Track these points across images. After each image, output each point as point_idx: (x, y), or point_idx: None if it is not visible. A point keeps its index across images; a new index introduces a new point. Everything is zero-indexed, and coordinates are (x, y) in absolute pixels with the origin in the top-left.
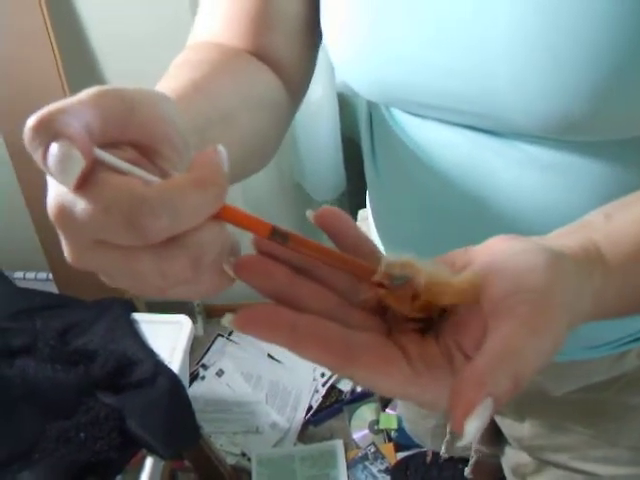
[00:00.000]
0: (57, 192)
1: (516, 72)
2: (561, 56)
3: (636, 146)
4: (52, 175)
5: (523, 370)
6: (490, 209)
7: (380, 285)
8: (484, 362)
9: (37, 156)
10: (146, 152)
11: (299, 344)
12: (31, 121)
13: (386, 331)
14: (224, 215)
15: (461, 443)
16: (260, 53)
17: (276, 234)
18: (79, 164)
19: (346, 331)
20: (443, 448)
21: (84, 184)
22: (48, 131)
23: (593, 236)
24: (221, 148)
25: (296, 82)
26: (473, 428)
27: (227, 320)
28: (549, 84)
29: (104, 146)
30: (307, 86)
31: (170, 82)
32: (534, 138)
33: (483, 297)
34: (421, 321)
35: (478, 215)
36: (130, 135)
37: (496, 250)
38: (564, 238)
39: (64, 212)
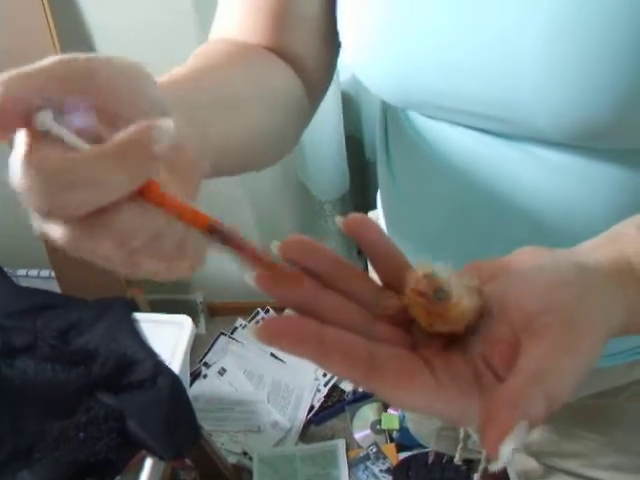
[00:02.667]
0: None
1: (541, 79)
2: (586, 65)
3: None
4: None
5: (558, 391)
6: (508, 213)
7: (420, 294)
8: (518, 383)
9: None
10: (111, 118)
11: (326, 357)
12: None
13: (411, 344)
14: (149, 196)
15: (495, 467)
16: (280, 51)
17: (213, 230)
18: None
19: (370, 344)
20: (457, 456)
21: (29, 153)
22: None
23: (625, 250)
24: (163, 124)
25: (315, 82)
26: (508, 452)
27: (251, 331)
28: (574, 92)
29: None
30: (327, 85)
31: (179, 69)
32: (555, 144)
33: (515, 313)
34: (447, 335)
35: (496, 219)
36: (90, 100)
37: (526, 263)
38: (595, 252)
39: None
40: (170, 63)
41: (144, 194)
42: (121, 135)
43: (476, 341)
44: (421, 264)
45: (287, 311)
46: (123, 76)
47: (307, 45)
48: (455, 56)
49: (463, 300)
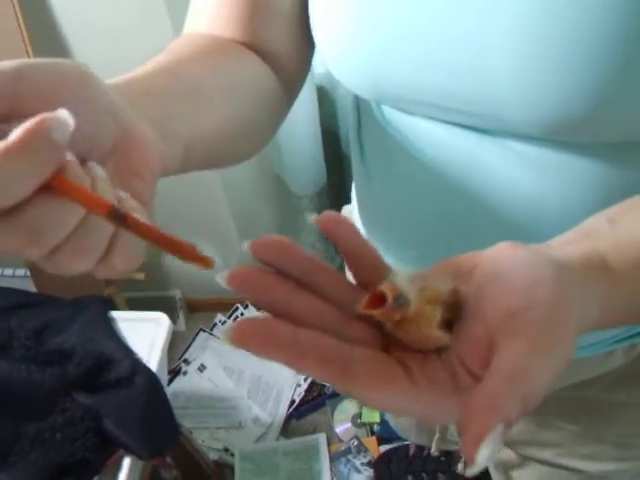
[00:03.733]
0: None
1: (514, 73)
2: (562, 58)
3: (635, 149)
4: None
5: (533, 391)
6: (483, 208)
7: (381, 300)
8: (494, 385)
9: None
10: None
11: (298, 360)
12: None
13: (386, 345)
14: (58, 188)
15: (472, 471)
16: (254, 45)
17: (114, 215)
18: None
19: (345, 346)
20: (434, 447)
21: None
22: None
23: (598, 245)
24: (58, 115)
25: (290, 76)
26: (485, 456)
27: (223, 334)
28: (547, 87)
29: None
30: (303, 80)
31: (150, 63)
32: (529, 138)
33: (490, 311)
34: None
35: (470, 214)
36: (21, 109)
37: (502, 259)
38: (569, 247)
39: None
40: (143, 57)
41: (54, 186)
42: (16, 130)
43: (452, 340)
44: (398, 270)
45: (258, 313)
46: (56, 83)
47: (281, 40)
48: (427, 50)
49: (432, 315)
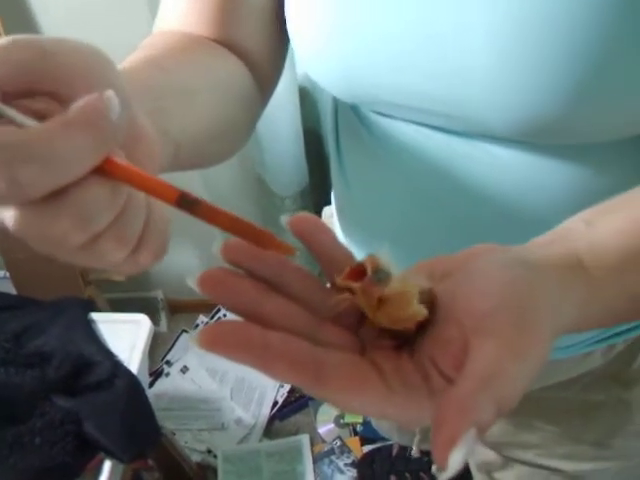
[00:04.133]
0: None
1: (490, 75)
2: (538, 60)
3: (609, 151)
4: None
5: (507, 395)
6: (459, 210)
7: (361, 275)
8: (467, 388)
9: None
10: (65, 103)
11: (269, 365)
12: None
13: (360, 348)
14: (111, 170)
15: (445, 476)
16: (227, 43)
17: (184, 202)
18: None
19: (317, 350)
20: (414, 448)
21: None
22: None
23: (575, 247)
24: (110, 94)
25: (265, 74)
26: (457, 461)
27: (193, 338)
28: (523, 89)
29: (17, 96)
30: (277, 79)
31: (127, 60)
32: (506, 140)
33: (464, 313)
34: (396, 336)
35: (446, 215)
36: (45, 84)
37: (476, 262)
38: (545, 249)
39: None
40: (119, 41)
41: (106, 169)
42: (76, 105)
43: (425, 343)
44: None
45: (227, 317)
46: (80, 61)
47: (255, 37)
48: (402, 52)
49: (412, 293)
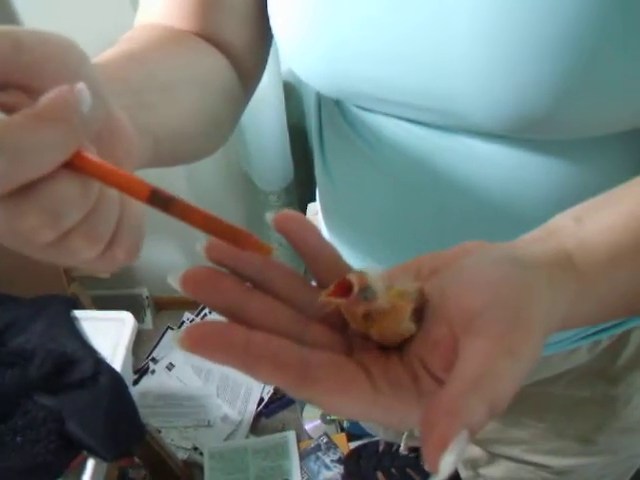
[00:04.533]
0: None
1: (474, 68)
2: (522, 51)
3: (594, 147)
4: None
5: (500, 395)
6: (443, 206)
7: (348, 290)
8: (457, 390)
9: None
10: (34, 95)
11: (253, 366)
12: None
13: (346, 348)
14: (82, 165)
15: (437, 479)
16: (209, 37)
17: (156, 198)
18: None
19: (303, 350)
20: (402, 445)
21: None
22: None
23: (564, 244)
24: (82, 86)
25: (248, 68)
26: (449, 464)
27: (174, 339)
28: (508, 83)
29: None
30: (260, 74)
31: (107, 53)
32: (490, 136)
33: (454, 311)
34: (382, 345)
35: (430, 212)
36: (17, 77)
37: (466, 259)
38: (534, 245)
39: None
40: (102, 39)
41: (76, 163)
42: (46, 97)
43: (414, 343)
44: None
45: (213, 315)
46: (54, 53)
47: (237, 31)
48: (386, 46)
49: (405, 310)
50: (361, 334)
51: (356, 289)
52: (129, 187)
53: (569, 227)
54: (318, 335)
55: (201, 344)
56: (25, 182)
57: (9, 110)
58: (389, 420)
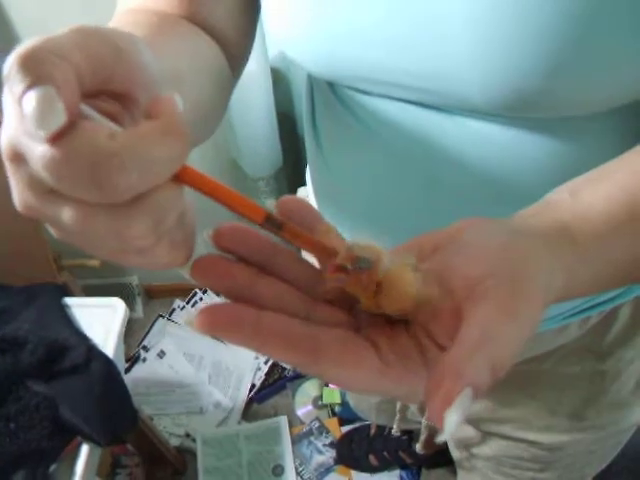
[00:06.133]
0: (14, 127)
1: (470, 46)
2: (516, 32)
3: (588, 124)
4: (25, 120)
5: (502, 356)
6: (439, 186)
7: (341, 269)
8: (462, 351)
9: (13, 94)
10: (125, 103)
11: (264, 344)
12: (21, 51)
13: (354, 326)
14: (186, 175)
15: (441, 438)
16: (199, 21)
17: (270, 222)
18: (59, 119)
19: (312, 327)
20: (395, 427)
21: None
22: (35, 70)
23: (561, 217)
24: (177, 96)
25: (235, 52)
26: (453, 421)
27: (186, 321)
28: (504, 60)
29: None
30: (247, 58)
31: None
32: (485, 115)
33: (457, 281)
34: (392, 318)
35: (426, 192)
36: (114, 84)
37: (466, 233)
38: (532, 219)
39: (19, 153)
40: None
41: (178, 175)
42: (153, 109)
43: (419, 315)
44: (355, 239)
45: (217, 299)
46: (138, 53)
47: (225, 15)
48: (380, 27)
49: (405, 275)
50: (368, 310)
51: (350, 266)
52: (243, 207)
53: (565, 200)
54: (326, 315)
55: (214, 325)
56: (143, 190)
57: (112, 119)
58: (398, 392)
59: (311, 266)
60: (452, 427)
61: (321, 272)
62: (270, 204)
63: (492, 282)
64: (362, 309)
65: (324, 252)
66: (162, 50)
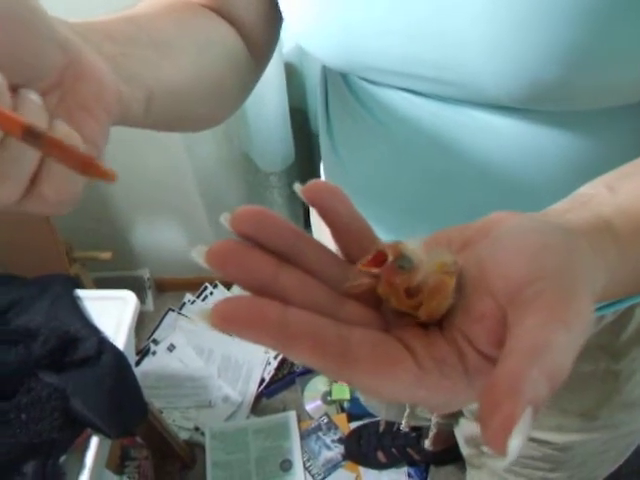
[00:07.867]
0: None
1: (486, 37)
2: (532, 22)
3: (606, 119)
4: None
5: (559, 367)
6: (454, 180)
7: (380, 262)
8: (515, 365)
9: None
10: None
11: (290, 345)
12: None
13: (383, 325)
14: None
15: (504, 464)
16: (220, 10)
17: (29, 134)
18: None
19: (341, 328)
20: (404, 423)
21: None
22: None
23: (601, 212)
24: None
25: (259, 44)
26: (517, 445)
27: (202, 315)
28: (520, 51)
29: None
30: (271, 52)
31: (112, 14)
32: (499, 107)
33: (498, 283)
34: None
35: (440, 186)
36: None
37: (502, 229)
38: (569, 214)
39: None
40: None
41: None
42: None
43: (455, 317)
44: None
45: (228, 293)
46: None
47: (249, 7)
48: (395, 17)
49: (449, 284)
50: (396, 311)
51: (390, 258)
52: (3, 122)
53: (602, 194)
54: (353, 312)
55: (232, 321)
56: None
57: None
58: (434, 401)
59: (336, 256)
60: (516, 452)
61: (347, 263)
62: (297, 188)
63: (539, 287)
64: (390, 308)
65: (94, 170)
66: (146, 19)
